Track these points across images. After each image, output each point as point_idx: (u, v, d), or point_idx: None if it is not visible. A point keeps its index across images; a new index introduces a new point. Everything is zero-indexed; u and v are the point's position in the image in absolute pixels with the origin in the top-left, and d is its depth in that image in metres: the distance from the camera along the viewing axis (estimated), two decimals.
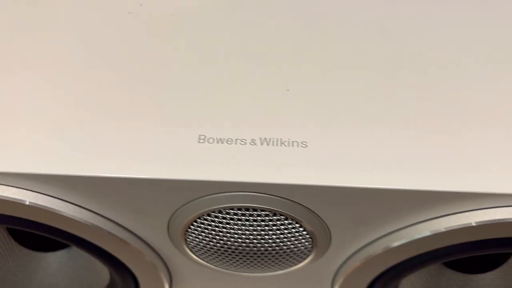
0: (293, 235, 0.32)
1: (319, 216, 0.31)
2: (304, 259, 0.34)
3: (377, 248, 0.33)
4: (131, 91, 0.34)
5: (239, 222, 0.31)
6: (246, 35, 0.38)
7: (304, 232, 0.32)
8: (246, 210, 0.31)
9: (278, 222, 0.31)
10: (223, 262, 0.35)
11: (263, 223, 0.31)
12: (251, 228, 0.31)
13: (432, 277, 0.41)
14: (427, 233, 0.31)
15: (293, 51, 0.37)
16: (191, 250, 0.34)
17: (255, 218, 0.31)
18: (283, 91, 0.34)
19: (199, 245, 0.33)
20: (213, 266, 0.36)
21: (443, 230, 0.30)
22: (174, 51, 0.37)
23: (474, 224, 0.30)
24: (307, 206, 0.31)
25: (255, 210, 0.31)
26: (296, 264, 0.35)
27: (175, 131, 0.31)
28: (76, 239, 0.33)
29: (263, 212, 0.31)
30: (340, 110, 0.33)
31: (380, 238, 0.33)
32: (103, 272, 0.41)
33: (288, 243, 0.32)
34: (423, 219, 0.31)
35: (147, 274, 0.38)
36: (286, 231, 0.32)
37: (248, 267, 0.35)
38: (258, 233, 0.32)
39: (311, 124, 0.32)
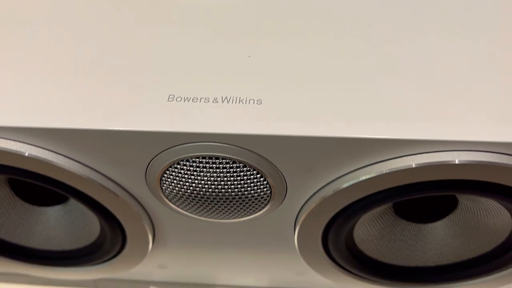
0: (252, 181, 0.37)
1: (273, 164, 0.36)
2: (265, 205, 0.40)
3: (329, 191, 0.37)
4: (111, 55, 0.39)
5: (205, 169, 0.36)
6: (214, 6, 0.43)
7: (262, 179, 0.37)
8: (210, 159, 0.36)
9: (238, 169, 0.36)
10: (195, 208, 0.40)
11: (225, 170, 0.36)
12: (215, 175, 0.36)
13: (387, 226, 0.46)
14: (372, 174, 0.35)
15: (256, 21, 0.42)
16: (166, 197, 0.39)
17: (217, 166, 0.36)
18: (245, 58, 0.39)
19: (172, 192, 0.38)
20: (187, 213, 0.41)
21: (386, 171, 0.35)
22: (149, 17, 0.42)
23: (414, 166, 0.35)
24: (263, 155, 0.36)
25: (217, 158, 0.36)
26: (259, 210, 0.40)
27: (147, 91, 0.36)
28: (71, 190, 0.39)
29: (224, 160, 0.36)
30: (293, 73, 0.37)
31: (331, 182, 0.38)
32: (95, 224, 0.46)
33: (248, 189, 0.37)
34: (370, 163, 0.36)
35: (133, 224, 0.43)
36: (245, 177, 0.37)
37: (217, 213, 0.40)
38: (222, 179, 0.37)
39: (266, 85, 0.37)
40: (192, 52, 0.39)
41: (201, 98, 0.36)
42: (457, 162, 0.34)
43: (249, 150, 0.35)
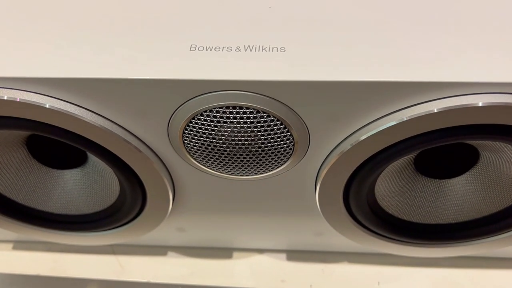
0: (275, 132, 0.37)
1: (297, 114, 0.36)
2: (288, 159, 0.39)
3: (350, 142, 0.37)
4: (131, 6, 0.39)
5: (228, 120, 0.36)
6: None
7: (285, 130, 0.37)
8: (234, 108, 0.35)
9: (262, 120, 0.36)
10: (216, 164, 0.40)
11: (248, 120, 0.36)
12: (238, 126, 0.36)
13: (408, 183, 0.46)
14: (393, 122, 0.35)
15: None
16: (188, 152, 0.39)
17: (241, 116, 0.36)
18: (266, 8, 0.38)
19: (195, 145, 0.38)
20: (208, 169, 0.41)
21: (406, 118, 0.35)
22: None
23: (436, 111, 0.34)
24: (287, 104, 0.35)
25: (241, 108, 0.35)
26: (280, 165, 0.40)
27: (168, 41, 0.36)
28: (92, 144, 0.38)
29: (248, 110, 0.35)
30: (315, 20, 0.37)
31: (353, 134, 0.37)
32: (114, 186, 0.46)
33: (272, 140, 0.37)
34: (391, 111, 0.35)
35: (153, 182, 0.43)
36: (268, 128, 0.36)
37: (238, 169, 0.40)
38: (245, 130, 0.36)
39: (288, 33, 0.36)
40: (215, 2, 0.39)
41: (223, 47, 0.35)
42: (480, 104, 0.34)
43: (273, 99, 0.35)
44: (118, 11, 0.38)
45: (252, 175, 0.41)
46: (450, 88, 0.34)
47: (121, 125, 0.38)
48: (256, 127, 0.36)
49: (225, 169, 0.40)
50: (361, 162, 0.39)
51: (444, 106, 0.34)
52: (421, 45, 0.35)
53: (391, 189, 0.45)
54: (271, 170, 0.41)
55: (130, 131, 0.38)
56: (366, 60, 0.34)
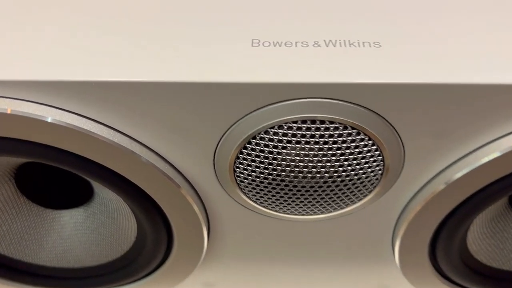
0: (364, 155, 0.27)
1: (395, 130, 0.27)
2: (370, 191, 0.30)
3: (453, 173, 0.28)
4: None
5: (303, 139, 0.26)
6: None
7: (376, 152, 0.27)
8: (312, 123, 0.26)
9: (349, 138, 0.26)
10: (277, 201, 0.30)
11: (330, 140, 0.26)
12: (316, 147, 0.27)
13: (500, 221, 0.37)
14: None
15: None
16: (239, 186, 0.29)
17: (321, 134, 0.26)
18: None
19: (250, 177, 0.28)
20: (262, 208, 0.31)
21: None
22: None
23: None
24: (384, 116, 0.26)
25: (322, 122, 0.26)
26: (359, 200, 0.30)
27: (223, 36, 0.27)
28: (108, 173, 0.28)
29: (332, 125, 0.26)
30: (412, 12, 0.28)
31: (457, 161, 0.28)
32: (129, 229, 0.36)
33: (357, 167, 0.28)
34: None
35: (184, 222, 0.32)
36: (356, 150, 0.27)
37: (304, 206, 0.30)
38: (324, 153, 0.27)
39: (382, 24, 0.27)
40: None
41: (296, 42, 0.26)
42: None
43: (367, 109, 0.26)
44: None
45: (319, 214, 0.31)
46: None
47: (150, 146, 0.28)
48: (339, 148, 0.27)
49: (286, 207, 0.30)
50: (461, 200, 0.30)
51: None
52: None
53: (482, 230, 0.36)
54: (344, 207, 0.31)
55: (161, 155, 0.28)
56: (482, 59, 0.26)
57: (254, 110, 0.26)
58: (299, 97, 0.25)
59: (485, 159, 0.28)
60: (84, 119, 0.26)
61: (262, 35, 0.27)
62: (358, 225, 0.33)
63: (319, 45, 0.26)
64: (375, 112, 0.26)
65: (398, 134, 0.27)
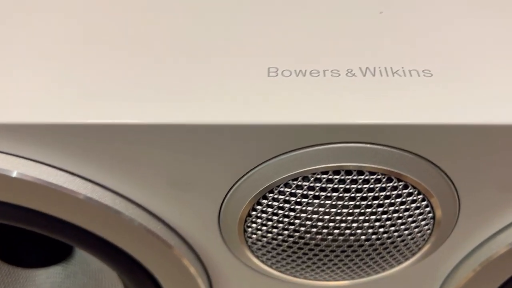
0: (411, 212, 0.21)
1: (447, 176, 0.21)
2: (414, 253, 0.24)
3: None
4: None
5: (334, 194, 0.21)
6: None
7: (426, 208, 0.22)
8: (347, 174, 0.20)
9: (393, 192, 0.21)
10: (300, 264, 0.24)
11: (370, 194, 0.21)
12: (351, 203, 0.21)
13: None
14: None
15: None
16: (250, 249, 0.23)
17: (358, 187, 0.20)
18: (376, 13, 0.24)
19: (264, 238, 0.22)
20: (277, 273, 0.25)
21: None
22: None
23: None
24: (431, 160, 0.20)
25: (361, 173, 0.20)
26: (399, 263, 0.24)
27: (239, 63, 0.21)
28: (83, 236, 0.22)
29: (372, 177, 0.20)
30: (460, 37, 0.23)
31: None
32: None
33: (401, 226, 0.22)
34: None
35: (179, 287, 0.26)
36: (401, 206, 0.21)
37: (332, 271, 0.24)
38: (362, 210, 0.21)
39: (431, 49, 0.22)
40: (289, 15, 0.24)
41: (324, 71, 0.21)
42: None
43: (411, 153, 0.20)
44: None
45: (349, 279, 0.25)
46: None
47: (137, 201, 0.22)
48: (381, 205, 0.21)
49: (309, 273, 0.25)
50: None
51: None
52: None
53: None
54: (380, 272, 0.25)
55: (151, 210, 0.23)
56: None
57: (272, 158, 0.20)
58: (330, 141, 0.19)
59: None
60: (54, 170, 0.20)
61: (280, 61, 0.21)
62: None
63: (353, 74, 0.21)
64: (423, 157, 0.20)
65: (453, 183, 0.21)
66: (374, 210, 0.21)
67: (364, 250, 0.23)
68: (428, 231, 0.23)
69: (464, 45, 0.23)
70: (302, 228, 0.22)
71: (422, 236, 0.23)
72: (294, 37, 0.23)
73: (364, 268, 0.24)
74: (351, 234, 0.22)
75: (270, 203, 0.21)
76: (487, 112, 0.19)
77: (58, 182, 0.20)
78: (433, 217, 0.22)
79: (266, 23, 0.24)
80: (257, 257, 0.24)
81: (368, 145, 0.20)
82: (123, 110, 0.19)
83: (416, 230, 0.22)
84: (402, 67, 0.21)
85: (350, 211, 0.21)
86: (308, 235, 0.22)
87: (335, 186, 0.20)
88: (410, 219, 0.22)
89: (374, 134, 0.19)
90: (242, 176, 0.21)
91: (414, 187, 0.21)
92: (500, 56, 0.22)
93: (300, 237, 0.22)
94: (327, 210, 0.21)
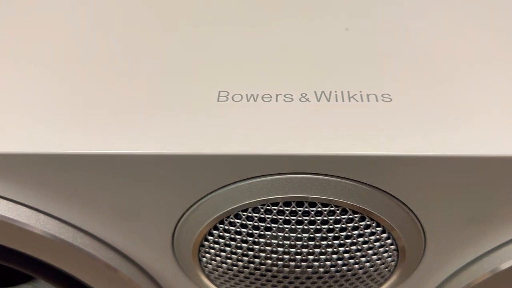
0: (370, 245, 0.20)
1: (412, 212, 0.20)
2: (379, 285, 0.23)
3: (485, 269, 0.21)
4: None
5: (286, 226, 0.19)
6: None
7: (388, 240, 0.20)
8: (299, 206, 0.19)
9: (350, 225, 0.19)
10: None
11: (324, 227, 0.19)
12: (305, 235, 0.20)
13: None
14: None
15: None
16: (207, 276, 0.22)
17: (312, 219, 0.19)
18: (342, 30, 0.23)
19: (220, 267, 0.21)
20: None
21: None
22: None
23: None
24: (392, 194, 0.19)
25: (312, 205, 0.19)
26: None
27: (188, 88, 0.20)
28: (38, 266, 0.22)
29: (325, 209, 0.19)
30: (423, 62, 0.22)
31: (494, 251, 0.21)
32: None
33: (361, 258, 0.21)
34: None
35: None
36: (360, 238, 0.20)
37: None
38: (316, 243, 0.20)
39: (388, 74, 0.20)
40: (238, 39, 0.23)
41: (277, 95, 0.20)
42: None
43: (370, 186, 0.19)
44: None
45: None
46: None
47: (90, 231, 0.21)
48: (337, 237, 0.20)
49: None
50: None
51: None
52: None
53: None
54: None
55: (106, 241, 0.22)
56: None
57: (221, 187, 0.19)
58: (279, 172, 0.18)
59: None
60: (8, 203, 0.19)
61: (231, 85, 0.20)
62: None
63: (307, 99, 0.19)
64: (379, 189, 0.19)
65: (415, 215, 0.20)
66: (330, 243, 0.20)
67: (325, 282, 0.22)
68: (393, 263, 0.21)
69: (428, 68, 0.21)
70: (257, 260, 0.21)
71: (386, 267, 0.21)
72: (249, 58, 0.21)
73: None
74: (308, 267, 0.21)
75: (221, 234, 0.20)
76: (446, 143, 0.18)
77: (11, 215, 0.20)
78: (397, 249, 0.21)
79: (220, 44, 0.23)
80: (217, 286, 0.23)
81: (320, 176, 0.18)
82: (65, 139, 0.19)
83: (379, 262, 0.21)
84: (360, 91, 0.20)
85: (305, 243, 0.20)
86: (264, 267, 0.21)
87: (287, 217, 0.19)
88: (370, 252, 0.20)
89: (324, 165, 0.18)
90: (192, 205, 0.20)
91: (371, 219, 0.19)
92: (464, 80, 0.20)
93: (255, 268, 0.21)
94: (280, 242, 0.20)
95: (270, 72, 0.21)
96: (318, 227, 0.19)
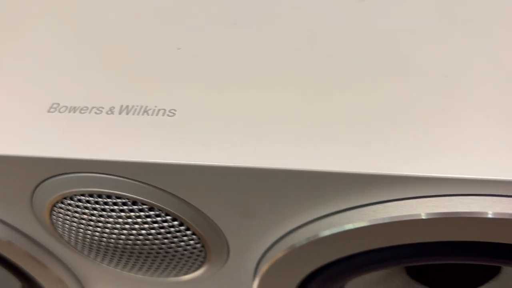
0: (161, 233, 0.25)
1: (201, 211, 0.24)
2: (200, 264, 0.27)
3: (298, 239, 0.24)
4: None
5: (95, 212, 0.25)
6: None
7: (188, 232, 0.25)
8: (99, 197, 0.24)
9: (142, 214, 0.24)
10: (107, 258, 0.28)
11: (122, 214, 0.24)
12: (110, 220, 0.25)
13: None
14: (363, 222, 0.22)
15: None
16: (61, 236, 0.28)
17: (112, 208, 0.24)
18: (173, 51, 0.27)
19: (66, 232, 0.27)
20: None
21: (385, 220, 0.22)
22: None
23: (424, 217, 0.21)
24: (186, 199, 0.24)
25: (109, 196, 0.24)
26: (192, 270, 0.28)
27: (22, 100, 0.26)
28: None
29: (119, 200, 0.24)
30: (217, 78, 0.25)
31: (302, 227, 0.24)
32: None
33: (162, 244, 0.25)
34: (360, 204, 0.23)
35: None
36: (150, 226, 0.25)
37: (136, 268, 0.29)
38: (122, 227, 0.25)
39: (181, 91, 0.25)
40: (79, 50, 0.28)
41: (92, 108, 0.25)
42: (490, 215, 0.21)
43: (161, 189, 0.23)
44: None
45: (157, 276, 0.30)
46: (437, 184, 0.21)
47: None
48: (135, 223, 0.25)
49: (120, 266, 0.29)
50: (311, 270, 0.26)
51: (434, 211, 0.21)
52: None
53: None
54: (180, 276, 0.29)
55: None
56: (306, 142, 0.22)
57: (46, 179, 0.24)
58: (81, 171, 0.23)
59: None
60: None
61: (63, 97, 0.25)
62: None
63: (112, 112, 0.24)
64: (171, 193, 0.23)
65: (206, 215, 0.24)
66: (132, 228, 0.25)
67: (150, 256, 0.27)
68: (199, 246, 0.26)
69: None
70: (88, 234, 0.26)
71: (192, 253, 0.26)
72: (78, 72, 0.26)
73: (156, 270, 0.28)
74: (126, 244, 0.26)
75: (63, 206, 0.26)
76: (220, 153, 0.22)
77: None
78: (200, 242, 0.25)
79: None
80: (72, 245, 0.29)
81: (113, 177, 0.23)
82: None
83: (181, 248, 0.26)
84: (156, 105, 0.24)
85: (114, 226, 0.25)
86: (95, 240, 0.26)
87: (93, 206, 0.24)
88: (166, 240, 0.25)
89: (114, 168, 0.23)
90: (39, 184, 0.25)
91: (159, 210, 0.24)
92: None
93: (91, 241, 0.27)
94: (97, 223, 0.25)
95: (91, 85, 0.26)
96: (119, 214, 0.24)
